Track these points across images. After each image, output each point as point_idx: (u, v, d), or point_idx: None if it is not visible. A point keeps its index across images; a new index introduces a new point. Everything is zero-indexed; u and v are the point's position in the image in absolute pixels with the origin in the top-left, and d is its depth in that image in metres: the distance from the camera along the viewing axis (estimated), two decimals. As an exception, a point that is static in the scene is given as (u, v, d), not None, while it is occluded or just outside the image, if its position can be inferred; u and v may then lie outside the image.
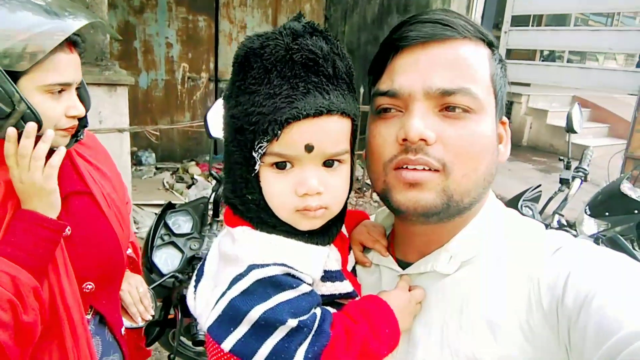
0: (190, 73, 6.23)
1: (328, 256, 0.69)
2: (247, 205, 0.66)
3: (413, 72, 0.64)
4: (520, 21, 6.34)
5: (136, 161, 5.77)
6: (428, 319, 0.69)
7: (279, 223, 0.66)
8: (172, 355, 1.79)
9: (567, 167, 2.47)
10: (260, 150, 0.62)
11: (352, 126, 0.67)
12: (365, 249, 0.82)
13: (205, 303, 0.67)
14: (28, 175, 0.98)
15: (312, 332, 0.62)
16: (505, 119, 0.73)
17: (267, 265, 0.62)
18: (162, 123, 5.94)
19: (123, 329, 1.29)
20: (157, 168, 5.84)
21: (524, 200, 2.41)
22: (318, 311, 0.65)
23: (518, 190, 2.69)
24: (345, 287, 0.71)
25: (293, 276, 0.63)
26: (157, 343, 1.98)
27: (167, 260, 1.90)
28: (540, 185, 2.55)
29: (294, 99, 0.60)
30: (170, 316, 1.93)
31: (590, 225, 2.79)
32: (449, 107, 0.63)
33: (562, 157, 2.54)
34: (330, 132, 0.62)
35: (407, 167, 0.64)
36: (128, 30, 5.67)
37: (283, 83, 0.60)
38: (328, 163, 0.65)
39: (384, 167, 0.66)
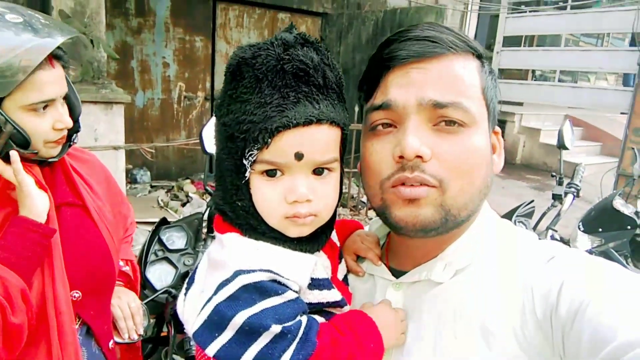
0: (186, 92, 6.28)
1: (316, 264, 0.69)
2: (237, 211, 0.67)
3: (406, 86, 0.65)
4: (512, 42, 6.47)
5: (131, 179, 5.76)
6: (420, 326, 0.69)
7: (268, 229, 0.67)
8: (164, 372, 1.76)
9: (560, 183, 2.50)
10: (250, 158, 0.63)
11: (342, 135, 0.68)
12: (359, 258, 0.82)
13: (192, 309, 0.67)
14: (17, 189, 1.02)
15: (297, 340, 0.62)
16: (497, 128, 0.74)
17: (253, 271, 0.62)
18: (158, 141, 5.96)
19: (111, 343, 1.27)
20: (152, 186, 5.83)
21: (517, 216, 2.43)
22: (304, 319, 0.65)
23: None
24: (333, 295, 0.71)
25: (279, 282, 0.63)
26: (149, 360, 1.96)
27: (161, 276, 1.89)
28: (533, 201, 2.57)
29: (285, 108, 0.61)
30: (163, 333, 1.91)
31: (584, 241, 2.80)
32: (442, 122, 0.64)
33: (554, 174, 2.56)
34: (320, 140, 0.63)
35: (404, 184, 0.64)
36: (125, 50, 5.72)
37: (274, 92, 0.62)
38: (318, 171, 0.65)
39: (381, 185, 0.67)
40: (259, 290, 0.62)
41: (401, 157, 0.63)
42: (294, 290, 0.65)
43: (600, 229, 2.85)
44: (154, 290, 1.80)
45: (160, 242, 1.97)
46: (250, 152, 0.62)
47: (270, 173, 0.64)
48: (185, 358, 1.57)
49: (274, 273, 0.63)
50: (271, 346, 0.61)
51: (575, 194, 2.42)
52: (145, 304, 1.56)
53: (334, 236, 0.81)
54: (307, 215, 0.65)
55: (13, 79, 0.95)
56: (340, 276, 0.78)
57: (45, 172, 1.14)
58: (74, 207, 1.18)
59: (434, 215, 0.64)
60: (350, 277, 0.82)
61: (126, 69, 5.81)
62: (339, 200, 0.73)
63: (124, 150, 3.64)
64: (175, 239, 2.02)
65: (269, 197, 0.65)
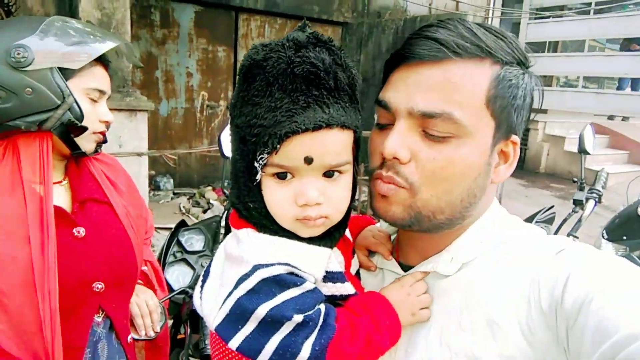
0: (209, 101, 6.39)
1: (330, 257, 0.70)
2: (250, 212, 0.68)
3: (402, 89, 0.66)
4: (535, 49, 6.39)
5: (154, 186, 5.88)
6: (429, 319, 0.70)
7: (280, 229, 0.67)
8: (181, 370, 1.79)
9: (581, 189, 2.45)
10: (261, 161, 0.63)
11: (354, 136, 0.68)
12: (371, 253, 0.84)
13: (212, 303, 0.68)
14: None
15: (318, 327, 0.63)
16: (515, 138, 0.69)
17: (272, 264, 0.63)
18: (181, 149, 6.08)
19: (129, 338, 1.31)
20: (174, 193, 5.93)
21: (537, 222, 2.39)
22: (322, 307, 0.66)
23: (534, 216, 2.66)
24: (346, 288, 0.72)
25: (296, 275, 0.65)
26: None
27: (179, 277, 1.93)
28: (553, 207, 2.53)
29: (294, 112, 0.60)
30: (180, 336, 1.95)
31: (608, 250, 2.74)
32: (430, 129, 0.64)
33: (575, 179, 2.52)
34: (330, 144, 0.63)
35: (381, 179, 0.68)
36: (150, 60, 5.88)
37: (284, 96, 0.61)
38: (328, 174, 0.65)
39: (371, 174, 0.71)
40: (279, 283, 0.63)
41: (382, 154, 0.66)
42: (311, 282, 0.66)
43: (624, 237, 2.78)
44: (172, 291, 1.84)
45: (179, 243, 2.02)
46: (261, 156, 0.62)
47: (281, 176, 0.64)
48: (200, 357, 1.59)
49: (291, 266, 0.64)
50: (294, 334, 0.62)
51: (597, 199, 2.37)
52: (162, 302, 1.60)
53: (347, 232, 0.81)
54: (317, 217, 0.65)
55: (81, 62, 1.11)
56: (352, 271, 0.79)
57: (72, 168, 1.23)
58: (100, 203, 1.24)
59: (402, 214, 0.67)
60: (362, 272, 0.83)
61: (151, 79, 5.96)
62: (352, 201, 0.73)
63: (147, 157, 3.73)
64: (194, 241, 2.06)
65: (279, 200, 0.65)
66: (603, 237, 2.88)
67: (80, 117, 1.11)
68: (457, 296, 0.68)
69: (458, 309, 0.67)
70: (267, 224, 0.67)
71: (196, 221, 4.82)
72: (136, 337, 1.37)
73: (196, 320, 1.69)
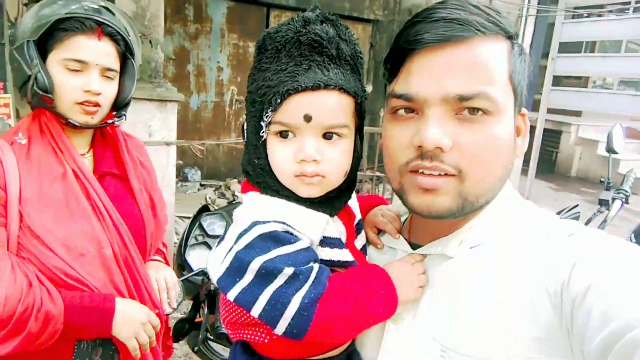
0: (238, 96, 6.50)
1: (327, 222, 0.73)
2: (256, 170, 0.73)
3: (429, 76, 0.63)
4: (571, 49, 6.22)
5: (182, 178, 6.02)
6: (435, 296, 0.71)
7: (281, 188, 0.72)
8: (196, 348, 1.85)
9: (608, 189, 2.39)
10: (266, 119, 0.69)
11: (356, 105, 0.72)
12: (380, 232, 0.85)
13: (217, 260, 0.72)
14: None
15: (309, 281, 0.66)
16: (524, 110, 0.71)
17: (268, 222, 0.67)
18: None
19: None
20: (201, 185, 6.07)
21: (560, 221, 2.34)
22: (315, 265, 0.69)
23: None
24: (344, 255, 0.75)
25: (291, 234, 0.68)
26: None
27: (200, 259, 1.99)
28: (577, 206, 2.48)
29: (297, 74, 0.67)
30: (198, 319, 2.00)
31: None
32: (465, 110, 0.63)
33: (602, 179, 2.46)
34: (328, 105, 0.68)
35: (422, 172, 0.64)
36: (183, 54, 6.02)
37: (289, 61, 0.68)
38: (327, 135, 0.70)
39: (399, 170, 0.68)
40: (274, 239, 0.67)
41: (420, 146, 0.63)
42: (306, 242, 0.69)
43: (654, 241, 2.70)
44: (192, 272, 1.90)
45: (201, 227, 2.07)
46: (266, 114, 0.68)
47: (284, 134, 0.69)
48: (215, 335, 1.64)
49: (287, 225, 0.68)
50: (285, 286, 0.65)
51: (624, 200, 2.31)
52: (182, 281, 1.66)
53: (355, 208, 0.85)
54: (313, 174, 0.69)
55: (42, 30, 1.14)
56: (358, 245, 0.82)
57: (97, 141, 1.31)
58: (116, 178, 1.31)
59: (451, 204, 0.65)
60: (371, 249, 0.85)
61: (183, 73, 6.10)
62: (354, 171, 0.77)
63: (175, 146, 3.81)
64: (215, 226, 2.11)
65: (281, 156, 0.70)
66: (631, 240, 2.80)
67: (44, 87, 1.13)
68: (462, 276, 0.69)
69: (465, 289, 0.68)
70: (269, 182, 0.72)
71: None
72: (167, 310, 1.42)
73: (213, 301, 1.74)
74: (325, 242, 0.73)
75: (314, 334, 0.66)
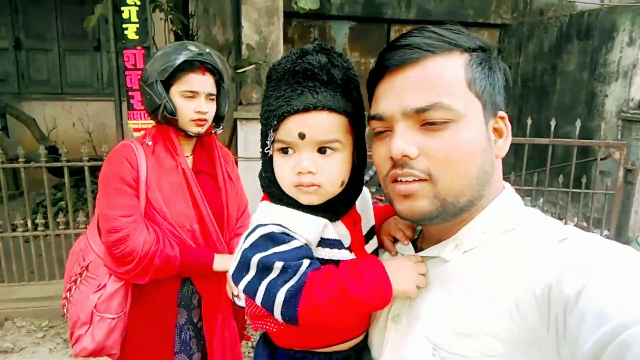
0: (361, 110, 6.70)
1: (326, 226, 0.83)
2: (265, 181, 0.86)
3: (392, 96, 0.72)
4: None
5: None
6: (433, 297, 0.76)
7: (285, 196, 0.83)
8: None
9: None
10: (270, 139, 0.82)
11: (349, 122, 0.81)
12: (397, 240, 0.91)
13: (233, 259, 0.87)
14: None
15: (298, 274, 0.76)
16: (503, 113, 0.76)
17: (268, 224, 0.80)
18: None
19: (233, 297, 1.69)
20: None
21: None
22: (306, 261, 0.78)
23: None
24: (343, 254, 0.83)
25: (287, 234, 0.79)
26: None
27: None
28: None
29: (291, 98, 0.78)
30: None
31: None
32: (427, 122, 0.70)
33: None
34: (319, 124, 0.78)
35: (400, 180, 0.72)
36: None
37: (287, 88, 0.79)
38: (322, 150, 0.80)
39: (384, 181, 0.76)
40: (271, 239, 0.79)
41: (392, 157, 0.72)
42: (301, 242, 0.80)
43: None
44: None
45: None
46: (270, 134, 0.81)
47: (285, 150, 0.81)
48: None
49: (284, 227, 0.79)
50: (276, 279, 0.77)
51: None
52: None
53: (368, 216, 0.94)
54: (309, 184, 0.80)
55: (168, 72, 1.63)
56: (369, 250, 0.91)
57: (197, 147, 1.79)
58: (209, 175, 1.78)
59: (429, 206, 0.71)
60: (385, 256, 0.92)
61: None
62: (357, 180, 0.86)
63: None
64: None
65: (282, 169, 0.82)
66: None
67: (171, 111, 1.62)
68: (457, 279, 0.73)
69: (461, 292, 0.72)
70: (275, 191, 0.84)
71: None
72: (239, 303, 1.65)
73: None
74: (325, 243, 0.83)
75: (305, 317, 0.75)
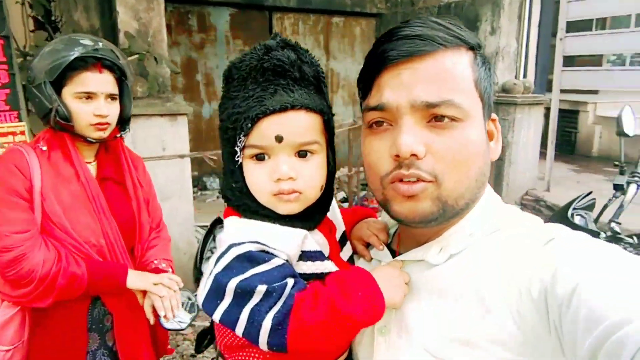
0: (248, 101, 6.53)
1: (306, 237, 0.75)
2: (235, 193, 0.76)
3: (399, 86, 0.67)
4: (580, 27, 6.09)
5: (202, 186, 6.10)
6: (421, 305, 0.73)
7: (260, 208, 0.75)
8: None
9: (622, 173, 2.35)
10: (240, 144, 0.72)
11: (324, 122, 0.75)
12: (370, 245, 0.87)
13: (201, 284, 0.75)
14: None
15: (283, 297, 0.68)
16: (494, 115, 0.75)
17: (243, 243, 0.70)
18: (223, 149, 6.26)
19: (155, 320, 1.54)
20: (220, 192, 6.14)
21: (574, 209, 2.31)
22: (290, 280, 0.71)
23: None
24: (326, 266, 0.77)
25: (266, 252, 0.71)
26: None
27: (215, 272, 2.01)
28: (592, 192, 2.43)
29: (264, 98, 0.71)
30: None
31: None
32: (435, 118, 0.66)
33: (617, 163, 2.42)
34: (297, 124, 0.71)
35: (402, 180, 0.68)
36: (190, 65, 6.09)
37: (256, 87, 0.72)
38: (301, 153, 0.73)
39: (381, 181, 0.71)
40: (249, 259, 0.70)
41: (397, 155, 0.66)
42: (281, 259, 0.72)
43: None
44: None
45: (215, 239, 2.10)
46: (239, 139, 0.72)
47: (259, 157, 0.73)
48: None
49: (261, 244, 0.70)
50: (260, 304, 0.68)
51: (639, 183, 2.26)
52: (196, 295, 1.69)
53: (338, 220, 0.87)
54: (290, 191, 0.72)
55: (57, 71, 1.43)
56: (344, 257, 0.84)
57: (101, 152, 1.62)
58: (116, 183, 1.62)
59: (432, 208, 0.68)
60: (360, 262, 0.87)
61: (192, 83, 6.18)
62: (330, 184, 0.80)
63: (189, 159, 3.87)
64: (229, 238, 2.13)
65: (258, 177, 0.73)
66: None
67: (64, 116, 1.45)
68: (447, 285, 0.70)
69: (452, 297, 0.69)
70: (248, 203, 0.75)
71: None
72: (168, 326, 1.47)
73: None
74: (306, 256, 0.76)
75: (295, 345, 0.67)
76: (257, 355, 0.77)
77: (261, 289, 0.68)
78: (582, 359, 0.53)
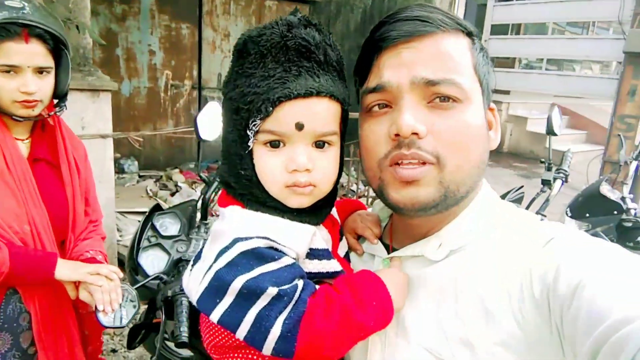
0: (173, 81, 6.20)
1: (315, 234, 0.71)
2: (241, 181, 0.69)
3: (399, 65, 0.66)
4: (499, 31, 6.49)
5: (119, 169, 5.68)
6: (419, 304, 0.70)
7: (269, 199, 0.68)
8: (154, 358, 1.76)
9: (549, 169, 2.53)
10: (254, 128, 0.65)
11: (342, 112, 0.70)
12: (361, 239, 0.83)
13: (195, 279, 0.69)
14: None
15: (293, 302, 0.64)
16: (493, 105, 0.74)
17: (251, 238, 0.65)
18: (145, 130, 5.89)
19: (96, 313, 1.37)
20: (140, 176, 5.77)
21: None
22: (300, 282, 0.66)
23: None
24: (332, 265, 0.72)
25: (276, 249, 0.65)
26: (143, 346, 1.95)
27: (153, 262, 1.87)
28: (522, 187, 2.60)
29: (287, 80, 0.64)
30: (156, 320, 1.90)
31: (572, 227, 2.84)
32: (436, 98, 0.65)
33: (543, 160, 2.60)
34: (320, 112, 0.66)
35: (402, 163, 0.64)
36: (110, 37, 5.62)
37: (277, 66, 0.64)
38: (318, 144, 0.68)
39: (378, 164, 0.68)
40: (257, 256, 0.64)
41: (397, 135, 0.64)
42: (291, 257, 0.67)
43: (587, 215, 2.90)
44: (146, 276, 1.79)
45: (154, 228, 1.95)
46: (254, 122, 0.65)
47: (274, 144, 0.66)
48: (176, 344, 1.56)
49: (271, 240, 0.65)
50: (268, 308, 0.63)
51: (564, 179, 2.45)
52: (137, 289, 1.55)
53: (335, 214, 0.82)
54: (306, 184, 0.67)
55: None
56: (341, 253, 0.80)
57: (37, 130, 1.46)
58: (50, 165, 1.46)
59: (434, 194, 0.65)
60: (352, 256, 0.83)
61: (111, 57, 5.72)
62: (339, 177, 0.74)
63: (111, 139, 3.58)
64: (169, 225, 1.99)
65: (271, 166, 0.67)
66: (567, 214, 3.00)
67: None
68: (448, 283, 0.68)
69: (453, 297, 0.67)
70: (256, 193, 0.69)
71: (165, 204, 4.71)
72: (106, 323, 1.33)
73: (171, 307, 1.65)
74: (313, 254, 0.71)
75: (304, 352, 0.63)
76: (255, 357, 0.71)
77: (271, 291, 0.62)
78: (583, 359, 0.53)
